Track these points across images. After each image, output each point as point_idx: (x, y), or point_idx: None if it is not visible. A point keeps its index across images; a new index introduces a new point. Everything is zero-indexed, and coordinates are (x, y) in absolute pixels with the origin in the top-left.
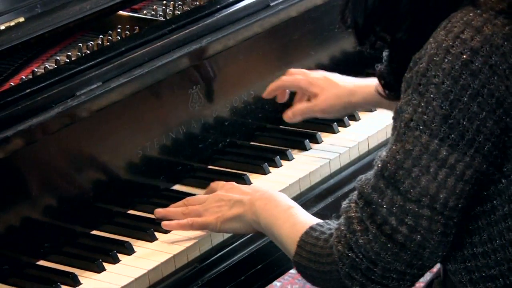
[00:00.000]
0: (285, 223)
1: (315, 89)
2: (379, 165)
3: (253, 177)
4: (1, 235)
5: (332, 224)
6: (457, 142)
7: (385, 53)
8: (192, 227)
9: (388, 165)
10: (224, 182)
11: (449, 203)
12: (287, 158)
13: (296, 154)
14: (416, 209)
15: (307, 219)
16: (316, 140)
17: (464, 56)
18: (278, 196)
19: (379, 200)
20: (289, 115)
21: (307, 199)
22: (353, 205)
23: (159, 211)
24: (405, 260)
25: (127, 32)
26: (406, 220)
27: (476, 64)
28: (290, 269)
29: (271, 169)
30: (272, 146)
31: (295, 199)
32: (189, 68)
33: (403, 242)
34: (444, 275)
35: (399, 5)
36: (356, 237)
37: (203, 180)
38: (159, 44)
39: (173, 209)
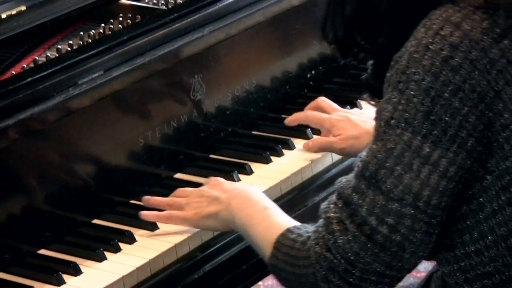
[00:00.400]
0: (261, 223)
1: (337, 131)
2: (360, 165)
3: (255, 166)
4: (2, 224)
5: (310, 227)
6: (440, 138)
7: (369, 63)
8: (168, 220)
9: (369, 165)
10: (214, 178)
11: (432, 201)
12: (289, 147)
13: (298, 143)
14: (399, 208)
15: (283, 221)
16: (318, 130)
17: (444, 52)
18: (255, 196)
19: (360, 201)
20: (308, 145)
21: (309, 188)
22: (332, 205)
23: (146, 199)
24: (384, 261)
25: (129, 21)
26: (386, 220)
27: (456, 59)
28: None
29: (273, 158)
30: (274, 135)
31: (297, 188)
32: (191, 57)
33: (383, 242)
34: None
35: (378, 10)
36: (335, 237)
37: (205, 169)
38: (161, 33)
39: (159, 198)
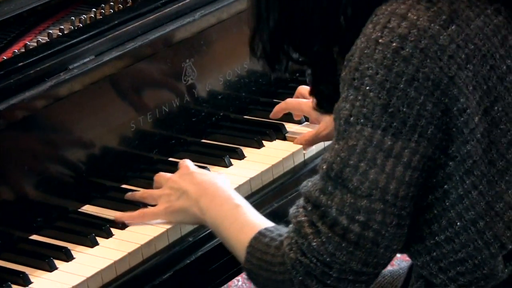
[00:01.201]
0: (233, 224)
1: (316, 114)
2: (324, 167)
3: (246, 151)
4: None
5: (282, 229)
6: (400, 130)
7: (307, 72)
8: (142, 219)
9: (334, 165)
10: (185, 163)
11: (399, 193)
12: (281, 132)
13: (290, 128)
14: (368, 204)
15: (255, 221)
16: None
17: (394, 44)
18: (224, 192)
19: (328, 202)
20: (298, 143)
21: (301, 173)
22: (301, 209)
23: (128, 196)
24: (360, 258)
25: (120, 5)
26: (357, 217)
27: (407, 49)
28: None
29: (264, 142)
30: (266, 119)
31: (289, 173)
32: (183, 41)
33: (356, 240)
34: None
35: (309, 22)
36: (309, 240)
37: (197, 154)
38: (152, 17)
39: (134, 193)
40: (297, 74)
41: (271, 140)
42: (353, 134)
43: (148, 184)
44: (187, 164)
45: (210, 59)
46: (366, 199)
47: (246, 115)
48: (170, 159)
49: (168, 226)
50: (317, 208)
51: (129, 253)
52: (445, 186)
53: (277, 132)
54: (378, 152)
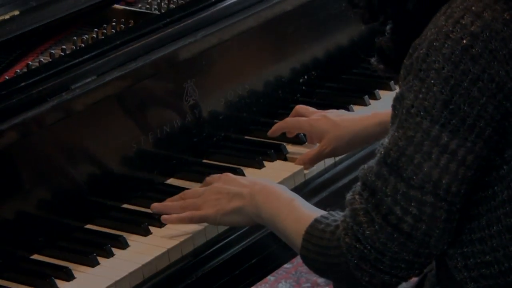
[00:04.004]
0: (288, 216)
1: (317, 132)
2: (382, 152)
3: (247, 171)
4: None
5: (337, 215)
6: (458, 128)
7: (388, 26)
8: (191, 220)
9: (391, 152)
10: (220, 174)
11: (451, 188)
12: (281, 152)
13: (291, 148)
14: (420, 196)
15: (311, 211)
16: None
17: (464, 41)
18: (278, 189)
19: (383, 188)
20: (300, 162)
21: (302, 193)
22: (357, 196)
23: (156, 206)
24: (412, 249)
25: (122, 25)
26: (410, 209)
27: (476, 49)
28: (284, 263)
29: (265, 163)
30: (266, 140)
31: None
32: (184, 61)
33: (409, 231)
34: (438, 268)
35: None
36: (363, 228)
37: (198, 174)
38: (154, 37)
39: (171, 203)
40: (298, 95)
41: (271, 161)
42: (412, 125)
43: (149, 204)
44: (228, 173)
45: (211, 79)
46: (418, 191)
47: (247, 136)
48: (171, 179)
49: (169, 246)
50: (373, 195)
51: (130, 273)
52: (495, 187)
53: (278, 153)
54: (434, 147)
